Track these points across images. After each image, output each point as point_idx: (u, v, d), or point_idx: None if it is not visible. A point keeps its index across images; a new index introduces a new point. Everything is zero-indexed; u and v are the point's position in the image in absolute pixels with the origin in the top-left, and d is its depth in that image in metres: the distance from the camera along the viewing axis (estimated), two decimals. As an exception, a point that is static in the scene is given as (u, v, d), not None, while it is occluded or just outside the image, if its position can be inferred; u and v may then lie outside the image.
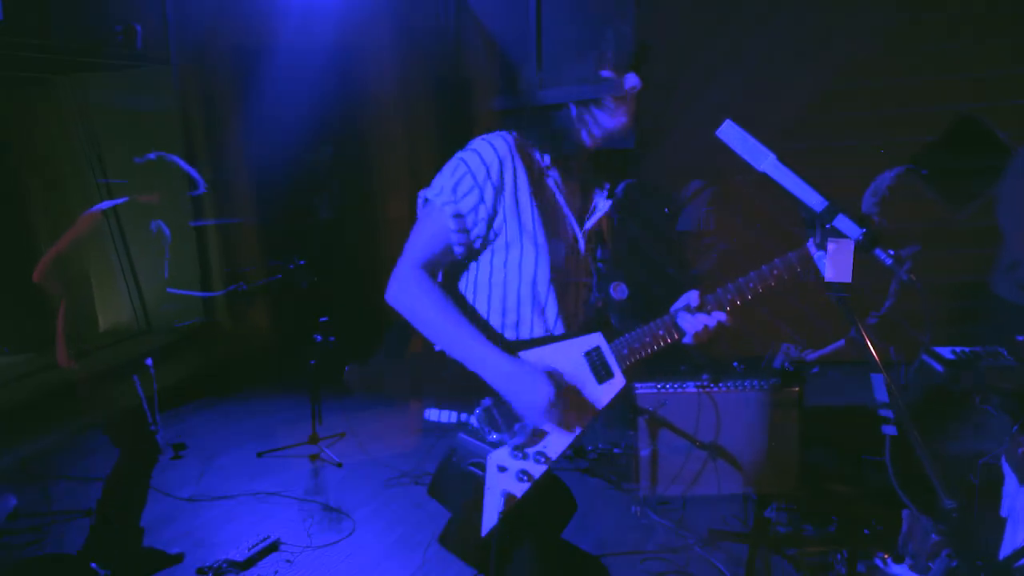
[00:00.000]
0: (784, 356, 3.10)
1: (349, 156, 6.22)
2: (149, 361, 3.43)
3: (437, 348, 1.56)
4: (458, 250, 1.54)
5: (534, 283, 1.57)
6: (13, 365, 5.11)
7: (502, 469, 1.53)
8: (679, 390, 3.12)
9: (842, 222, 1.38)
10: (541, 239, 1.56)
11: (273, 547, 3.10)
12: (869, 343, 1.39)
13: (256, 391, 5.42)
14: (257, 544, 3.05)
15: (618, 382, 1.55)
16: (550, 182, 1.62)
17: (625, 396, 3.09)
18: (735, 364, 4.73)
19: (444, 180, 1.54)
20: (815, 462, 3.43)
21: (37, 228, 5.68)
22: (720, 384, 3.11)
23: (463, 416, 1.58)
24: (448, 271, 1.62)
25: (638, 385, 3.14)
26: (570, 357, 1.54)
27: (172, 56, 5.04)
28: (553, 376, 1.50)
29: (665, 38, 4.75)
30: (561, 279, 1.60)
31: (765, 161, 1.39)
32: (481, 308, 1.60)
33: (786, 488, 3.03)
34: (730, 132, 1.41)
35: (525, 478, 1.51)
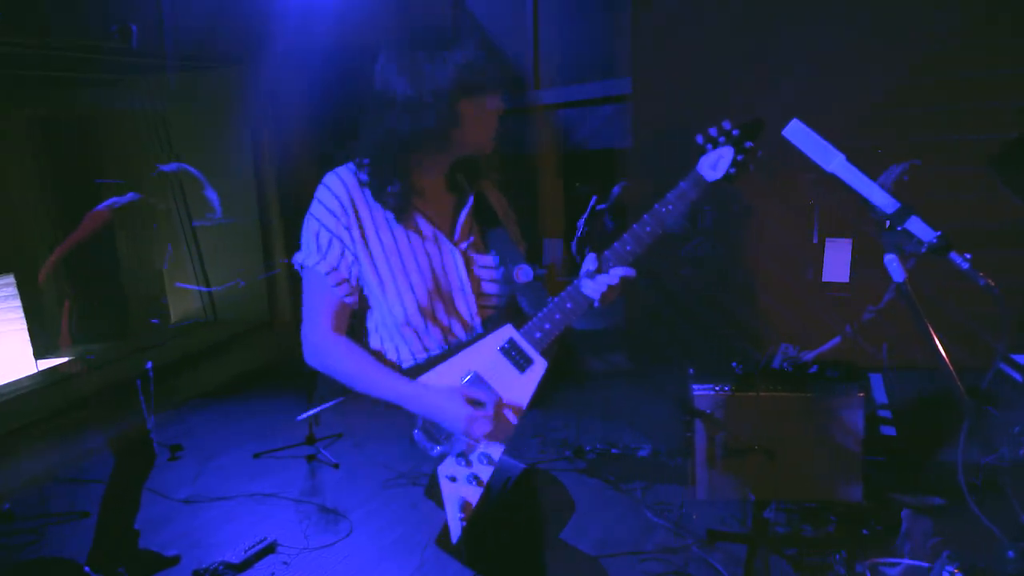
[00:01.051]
0: (783, 356, 3.08)
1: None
2: (149, 365, 3.44)
3: (359, 391, 1.60)
4: (349, 300, 1.57)
5: (404, 309, 1.56)
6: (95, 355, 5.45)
7: (452, 479, 1.55)
8: (737, 393, 3.02)
9: (915, 224, 1.32)
10: (396, 265, 1.54)
11: (270, 549, 3.09)
12: (940, 345, 1.33)
13: (254, 391, 5.40)
14: (254, 546, 3.04)
15: (540, 366, 1.53)
16: (400, 204, 1.55)
17: (682, 397, 3.03)
18: (732, 364, 4.71)
19: (307, 241, 1.56)
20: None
21: (115, 225, 5.99)
22: (781, 389, 3.00)
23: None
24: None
25: (695, 387, 3.05)
26: (486, 356, 1.54)
27: (168, 57, 5.05)
28: (470, 391, 1.51)
29: (721, 34, 4.66)
30: (444, 295, 1.58)
31: (834, 161, 1.34)
32: (383, 342, 1.62)
33: (850, 497, 2.93)
34: (797, 131, 1.36)
35: (475, 482, 1.53)
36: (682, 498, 3.38)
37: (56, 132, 5.93)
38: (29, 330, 5.01)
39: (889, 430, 2.90)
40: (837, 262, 4.03)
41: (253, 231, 5.68)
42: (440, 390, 1.51)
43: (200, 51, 5.00)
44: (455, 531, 1.55)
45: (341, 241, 1.53)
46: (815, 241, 4.62)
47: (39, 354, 5.17)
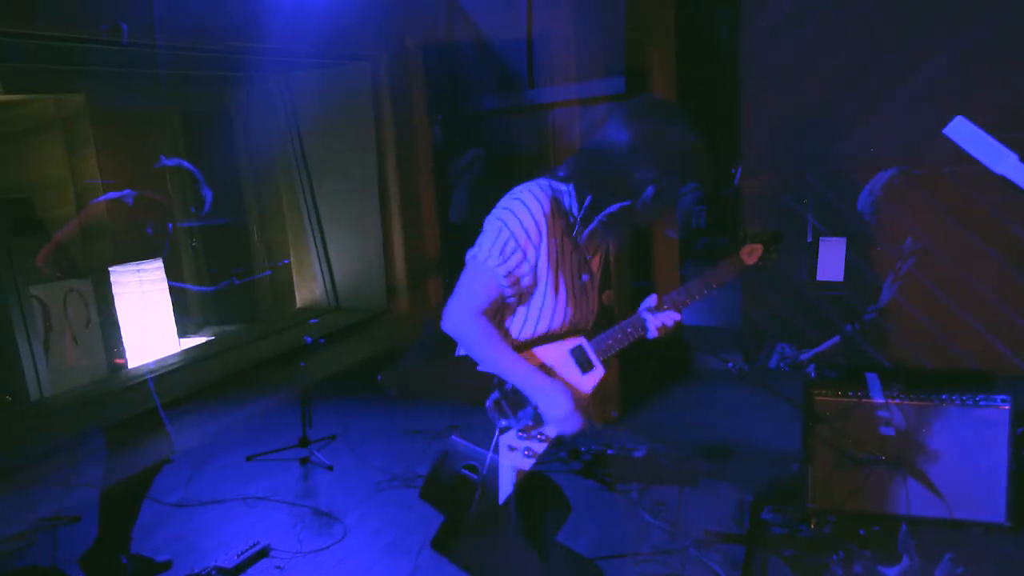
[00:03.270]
0: (779, 356, 3.05)
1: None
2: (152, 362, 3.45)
3: (481, 368, 1.87)
4: (511, 300, 1.85)
5: (552, 316, 1.87)
6: (230, 336, 5.99)
7: (512, 449, 1.84)
8: (864, 399, 2.88)
9: None
10: (558, 283, 1.85)
11: (263, 553, 3.05)
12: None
13: (248, 393, 5.37)
14: (246, 551, 3.00)
15: (598, 371, 1.86)
16: (573, 232, 1.88)
17: (801, 401, 2.99)
18: (729, 365, 4.67)
19: (490, 243, 1.78)
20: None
21: (247, 212, 6.73)
22: (913, 396, 2.83)
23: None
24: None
25: (816, 391, 2.94)
26: (559, 354, 1.88)
27: (160, 56, 5.03)
28: (570, 391, 1.81)
29: (849, 24, 4.53)
30: (580, 308, 1.91)
31: (1005, 162, 1.28)
32: (518, 329, 1.91)
33: (991, 518, 2.78)
34: (961, 130, 1.30)
35: (530, 454, 1.84)
36: (678, 498, 3.37)
37: (197, 128, 6.50)
38: (174, 311, 5.65)
39: (888, 431, 2.87)
40: (832, 261, 4.02)
41: (375, 226, 6.05)
42: (556, 386, 1.80)
43: (328, 49, 5.24)
44: (504, 493, 1.85)
45: (524, 254, 1.78)
46: (809, 240, 4.61)
47: (183, 333, 5.83)
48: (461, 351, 1.95)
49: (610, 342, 1.88)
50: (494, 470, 2.04)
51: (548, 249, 1.82)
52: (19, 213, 5.03)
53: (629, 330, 1.87)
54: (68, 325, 4.75)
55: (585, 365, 1.87)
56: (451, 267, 5.65)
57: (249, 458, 4.08)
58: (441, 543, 2.07)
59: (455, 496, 2.15)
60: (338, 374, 5.34)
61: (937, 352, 4.33)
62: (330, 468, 3.91)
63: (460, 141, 5.86)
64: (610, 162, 1.76)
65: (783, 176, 4.70)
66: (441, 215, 6.10)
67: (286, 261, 5.89)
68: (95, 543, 2.81)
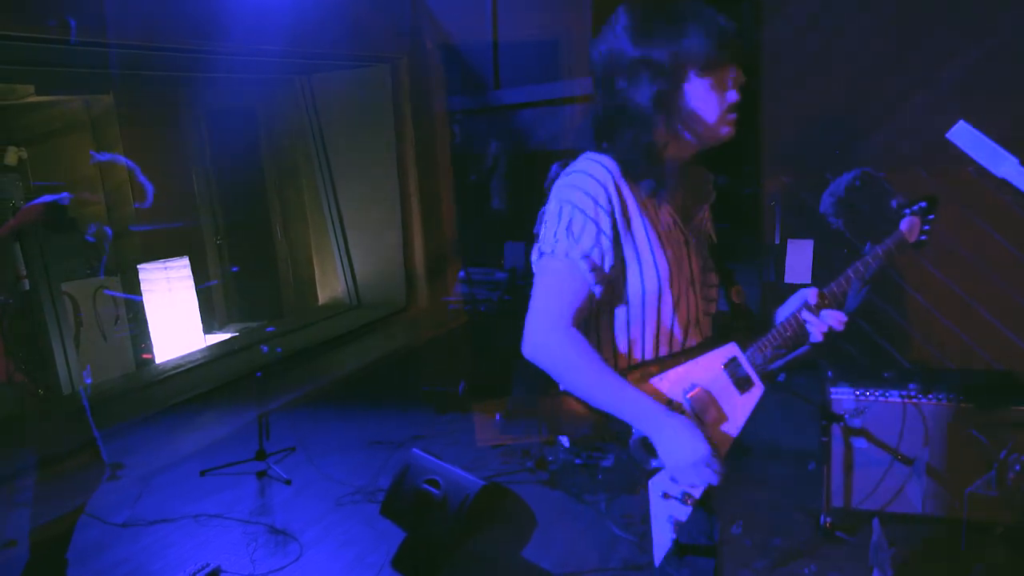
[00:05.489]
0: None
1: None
2: (87, 373, 3.32)
3: (579, 396, 1.44)
4: (597, 290, 1.40)
5: (659, 300, 1.45)
6: (252, 332, 6.12)
7: (666, 496, 1.43)
8: (881, 399, 2.85)
9: None
10: (659, 256, 1.43)
11: (213, 575, 2.90)
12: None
13: (201, 404, 5.18)
14: (196, 573, 2.85)
15: (758, 390, 1.47)
16: (654, 195, 1.47)
17: (819, 401, 2.90)
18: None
19: (555, 228, 1.39)
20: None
21: (270, 211, 6.86)
22: (931, 396, 2.80)
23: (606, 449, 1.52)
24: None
25: (833, 390, 2.91)
26: (710, 370, 1.46)
27: (111, 57, 4.87)
28: (704, 430, 1.38)
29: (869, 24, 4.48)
30: (682, 290, 1.48)
31: (1005, 165, 1.25)
32: (618, 338, 1.48)
33: (1013, 519, 2.74)
34: (964, 134, 1.28)
35: (689, 500, 1.43)
36: (644, 510, 3.30)
37: (222, 128, 6.61)
38: (199, 308, 5.84)
39: (860, 442, 2.84)
40: (799, 263, 4.01)
41: (395, 225, 6.10)
42: (684, 420, 1.36)
43: (350, 51, 5.33)
44: (659, 553, 1.44)
45: (597, 225, 1.37)
46: (776, 242, 4.58)
47: (208, 329, 5.98)
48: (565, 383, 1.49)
49: (768, 353, 1.49)
50: (456, 485, 1.93)
51: (630, 219, 1.42)
52: (52, 211, 5.12)
53: (789, 335, 1.49)
54: (98, 321, 4.96)
55: (744, 384, 1.47)
56: (468, 265, 5.89)
57: (203, 472, 3.90)
58: (402, 562, 1.98)
59: (417, 512, 2.05)
60: (360, 371, 5.35)
61: (961, 354, 4.32)
62: (288, 482, 3.76)
63: (478, 139, 5.85)
64: (616, 105, 1.41)
65: (803, 174, 4.63)
66: (460, 214, 6.11)
67: (235, 269, 5.99)
68: (25, 570, 2.64)
